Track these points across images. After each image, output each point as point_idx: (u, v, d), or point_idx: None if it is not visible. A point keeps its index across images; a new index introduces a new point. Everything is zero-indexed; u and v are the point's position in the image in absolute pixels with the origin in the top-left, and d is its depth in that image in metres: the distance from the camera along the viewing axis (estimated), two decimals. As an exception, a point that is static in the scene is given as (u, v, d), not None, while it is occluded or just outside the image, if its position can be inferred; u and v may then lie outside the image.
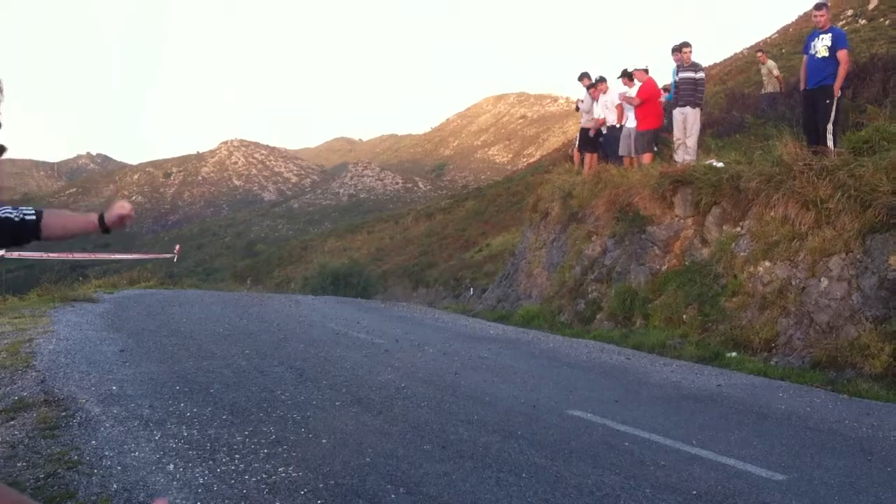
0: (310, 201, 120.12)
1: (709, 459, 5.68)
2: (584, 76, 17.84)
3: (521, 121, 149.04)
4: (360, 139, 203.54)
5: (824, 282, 9.97)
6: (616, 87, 16.54)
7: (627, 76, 15.97)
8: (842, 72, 11.33)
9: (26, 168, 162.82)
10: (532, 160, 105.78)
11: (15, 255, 20.54)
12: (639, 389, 8.61)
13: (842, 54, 11.32)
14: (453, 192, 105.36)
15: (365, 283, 33.07)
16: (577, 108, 18.30)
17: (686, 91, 14.41)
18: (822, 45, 11.47)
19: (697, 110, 14.45)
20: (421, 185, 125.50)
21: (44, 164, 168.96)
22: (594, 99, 17.23)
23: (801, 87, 12.11)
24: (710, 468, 5.47)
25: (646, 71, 15.54)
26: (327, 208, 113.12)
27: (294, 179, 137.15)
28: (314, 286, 32.07)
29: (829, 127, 11.39)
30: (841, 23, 28.13)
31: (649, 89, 15.38)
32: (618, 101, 16.19)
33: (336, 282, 32.08)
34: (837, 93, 11.36)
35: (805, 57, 11.94)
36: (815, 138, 11.54)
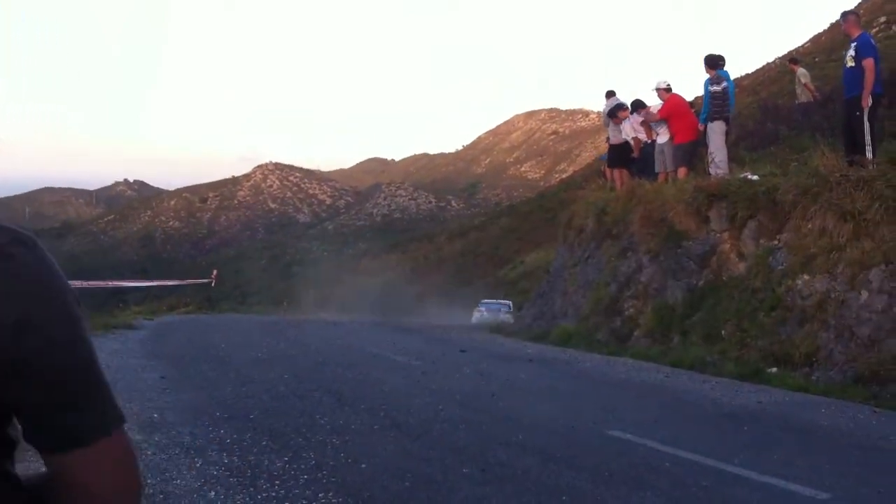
0: (344, 222, 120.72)
1: (751, 479, 5.60)
2: (610, 94, 17.87)
3: (552, 137, 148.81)
4: (392, 159, 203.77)
5: (865, 294, 9.83)
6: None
7: (641, 105, 16.13)
8: (867, 81, 10.87)
9: (65, 196, 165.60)
10: (565, 176, 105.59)
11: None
12: (678, 408, 8.54)
13: (867, 63, 10.93)
14: (486, 210, 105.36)
15: (400, 304, 33.24)
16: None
17: (711, 104, 14.31)
18: (849, 55, 11.26)
19: (720, 123, 14.21)
20: (454, 204, 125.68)
21: (83, 192, 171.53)
22: (617, 125, 17.16)
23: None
24: (753, 489, 5.40)
25: (667, 89, 15.47)
26: (361, 229, 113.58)
27: (328, 201, 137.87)
28: (350, 308, 32.27)
29: (867, 138, 11.13)
30: (874, 30, 27.79)
31: (672, 105, 15.30)
32: (641, 119, 16.18)
33: (371, 303, 32.27)
34: (866, 103, 10.92)
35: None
36: (852, 148, 11.33)
